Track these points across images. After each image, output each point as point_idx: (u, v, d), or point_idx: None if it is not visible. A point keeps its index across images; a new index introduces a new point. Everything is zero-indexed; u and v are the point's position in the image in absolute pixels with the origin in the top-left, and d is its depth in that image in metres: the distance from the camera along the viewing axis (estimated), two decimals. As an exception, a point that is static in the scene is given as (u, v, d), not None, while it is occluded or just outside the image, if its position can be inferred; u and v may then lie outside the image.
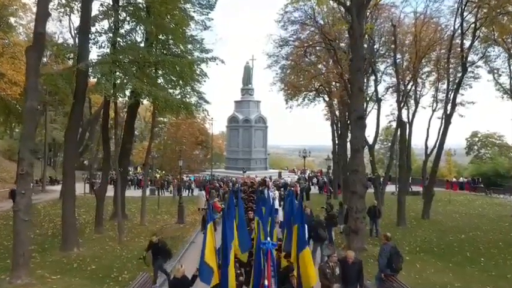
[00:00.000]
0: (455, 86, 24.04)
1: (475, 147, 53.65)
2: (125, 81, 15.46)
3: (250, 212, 13.58)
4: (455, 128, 23.60)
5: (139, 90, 14.97)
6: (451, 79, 25.01)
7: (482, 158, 51.93)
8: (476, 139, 53.48)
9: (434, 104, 33.99)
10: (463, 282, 11.74)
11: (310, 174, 53.67)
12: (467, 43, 23.31)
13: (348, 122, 35.90)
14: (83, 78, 15.00)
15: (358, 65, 15.73)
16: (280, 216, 17.29)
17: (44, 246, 15.87)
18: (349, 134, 36.16)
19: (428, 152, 34.20)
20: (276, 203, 19.94)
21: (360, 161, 15.76)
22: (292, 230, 8.77)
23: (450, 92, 24.43)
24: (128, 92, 16.77)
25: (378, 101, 25.56)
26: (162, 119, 36.21)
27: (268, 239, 8.16)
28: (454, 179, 42.13)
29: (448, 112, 23.63)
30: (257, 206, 11.01)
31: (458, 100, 23.84)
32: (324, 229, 13.35)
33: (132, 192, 40.23)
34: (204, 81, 20.96)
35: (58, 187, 34.66)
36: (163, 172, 38.76)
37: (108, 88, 14.18)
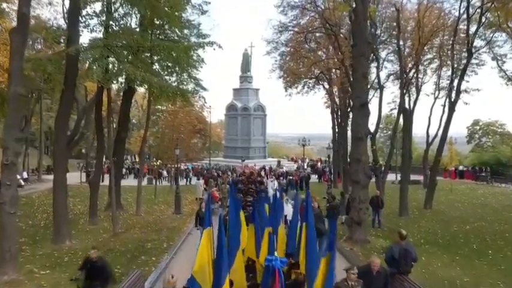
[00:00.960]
0: (459, 73, 23.36)
1: (476, 136, 52.98)
2: (118, 66, 14.70)
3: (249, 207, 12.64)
4: (456, 116, 22.97)
5: (132, 76, 14.22)
6: (455, 65, 24.21)
7: (483, 146, 51.36)
8: (478, 127, 52.78)
9: (437, 92, 33.30)
10: (473, 277, 11.19)
11: (310, 163, 53.12)
12: (471, 29, 22.57)
13: (348, 110, 35.35)
14: (73, 63, 14.25)
15: (362, 50, 15.01)
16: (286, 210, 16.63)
17: (35, 238, 15.30)
18: (350, 122, 35.96)
19: (430, 140, 33.55)
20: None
21: (363, 149, 15.16)
22: (295, 228, 8.01)
23: (455, 79, 23.68)
24: (121, 78, 16.01)
25: (380, 88, 24.82)
26: (159, 107, 35.39)
27: (276, 253, 6.51)
28: (453, 168, 41.66)
29: (453, 99, 22.97)
30: (260, 207, 9.34)
31: (462, 87, 23.11)
32: (323, 222, 12.42)
33: (130, 182, 39.67)
34: (201, 67, 20.22)
35: (54, 176, 33.98)
36: (160, 161, 38.11)
37: (99, 73, 13.45)
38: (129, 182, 39.16)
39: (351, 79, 24.44)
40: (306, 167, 46.04)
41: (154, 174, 40.31)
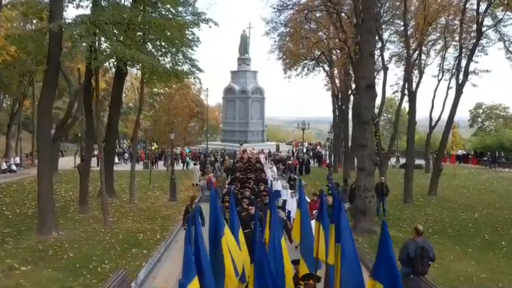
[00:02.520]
0: (468, 53, 22.25)
1: (479, 120, 52.01)
2: (105, 44, 13.58)
3: (249, 206, 10.66)
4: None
5: (121, 55, 13.12)
6: (463, 45, 23.03)
7: (486, 130, 50.44)
8: (481, 111, 51.78)
9: (440, 74, 32.15)
10: (490, 273, 10.35)
11: (309, 147, 52.18)
12: (481, 6, 21.39)
13: (350, 92, 34.32)
14: (56, 41, 13.07)
15: (370, 27, 13.90)
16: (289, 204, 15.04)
17: (20, 229, 14.36)
18: (351, 106, 34.94)
19: (433, 124, 32.52)
20: (280, 186, 17.62)
21: (369, 134, 14.19)
22: (310, 233, 6.93)
23: (462, 59, 22.57)
24: (110, 58, 14.89)
25: (385, 69, 23.74)
26: (156, 90, 34.18)
27: None
28: (452, 152, 40.79)
29: (460, 81, 21.92)
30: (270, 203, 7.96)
31: (471, 68, 21.96)
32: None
33: (127, 167, 38.71)
34: (196, 46, 19.15)
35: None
36: (156, 146, 37.12)
37: (85, 52, 12.33)
38: (126, 167, 38.28)
39: (354, 60, 23.38)
40: (305, 151, 45.05)
41: (150, 159, 39.41)
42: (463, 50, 22.88)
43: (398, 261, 8.02)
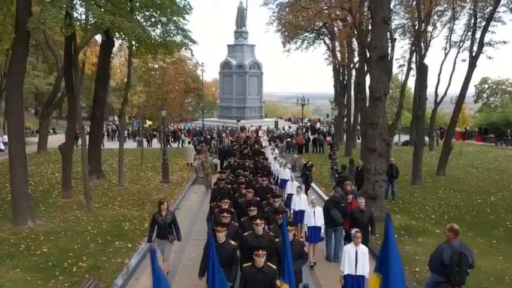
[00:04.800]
0: (483, 23, 20.56)
1: (484, 95, 50.31)
2: (81, 8, 11.89)
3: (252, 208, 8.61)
4: (462, 74, 20.42)
5: (99, 21, 11.45)
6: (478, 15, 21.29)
7: (491, 106, 48.87)
8: (486, 86, 50.01)
9: (448, 47, 30.43)
10: (523, 271, 9.06)
11: (308, 124, 50.63)
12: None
13: (352, 66, 32.63)
14: (24, 5, 11.33)
15: (383, -12, 12.18)
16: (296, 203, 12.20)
17: (-6, 217, 12.97)
18: (353, 81, 33.33)
19: (439, 99, 30.98)
20: (288, 175, 14.54)
21: (380, 111, 12.69)
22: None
23: (476, 30, 20.87)
24: (88, 25, 13.14)
25: (392, 40, 22.01)
26: (151, 65, 32.33)
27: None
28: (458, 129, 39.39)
29: (474, 54, 20.29)
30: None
31: (486, 39, 20.30)
32: (341, 208, 9.70)
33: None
34: (188, 13, 17.43)
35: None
36: (150, 123, 35.46)
37: (58, 18, 10.63)
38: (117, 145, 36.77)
39: (359, 30, 21.70)
40: (304, 127, 43.50)
41: (145, 136, 37.89)
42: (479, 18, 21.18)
43: (429, 268, 6.69)
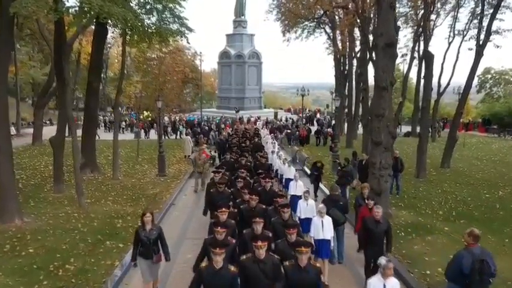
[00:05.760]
0: (491, 11, 19.80)
1: (487, 85, 49.49)
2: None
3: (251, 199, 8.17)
4: (466, 63, 19.68)
5: (87, 6, 10.73)
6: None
7: (493, 96, 48.11)
8: (489, 76, 49.17)
9: (451, 36, 29.65)
10: (541, 274, 8.47)
11: (308, 114, 49.95)
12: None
13: (353, 55, 31.82)
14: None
15: (390, -29, 11.45)
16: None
17: (-20, 214, 12.33)
18: (354, 70, 32.57)
19: (442, 89, 30.26)
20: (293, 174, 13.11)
21: (386, 102, 12.01)
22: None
23: (484, 18, 20.11)
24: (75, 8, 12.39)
25: (396, 28, 21.14)
26: (149, 54, 31.64)
27: None
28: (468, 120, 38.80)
29: (481, 42, 19.56)
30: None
31: (493, 27, 19.56)
32: (340, 207, 9.03)
33: (121, 136, 36.39)
34: (184, 0, 16.64)
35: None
36: (147, 113, 34.87)
37: (40, 1, 9.89)
38: (120, 136, 36.00)
39: (360, 19, 20.89)
40: (304, 118, 42.83)
41: (142, 127, 37.27)
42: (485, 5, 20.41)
43: (445, 276, 6.07)
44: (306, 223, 8.97)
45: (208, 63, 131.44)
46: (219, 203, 7.90)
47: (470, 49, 20.99)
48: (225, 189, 9.60)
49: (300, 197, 10.29)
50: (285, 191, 13.15)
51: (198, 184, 16.52)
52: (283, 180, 14.26)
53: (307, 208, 9.43)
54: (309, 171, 17.02)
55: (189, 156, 23.02)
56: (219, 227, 5.94)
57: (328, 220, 8.27)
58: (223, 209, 6.97)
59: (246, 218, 7.72)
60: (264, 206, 8.15)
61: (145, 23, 15.66)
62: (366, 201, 8.83)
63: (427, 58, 19.14)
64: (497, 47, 20.65)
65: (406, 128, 38.12)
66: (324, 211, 8.27)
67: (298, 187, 11.32)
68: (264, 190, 9.64)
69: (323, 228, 8.11)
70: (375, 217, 7.64)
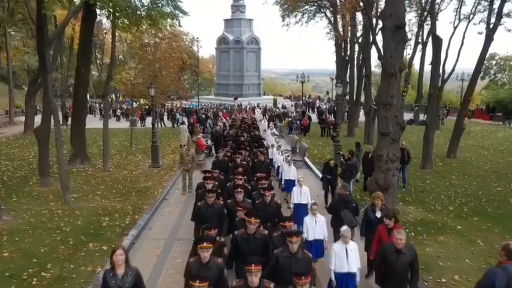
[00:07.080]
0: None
1: (491, 72, 48.33)
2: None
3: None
4: (469, 49, 18.65)
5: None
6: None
7: (498, 83, 47.01)
8: (494, 62, 47.98)
9: (457, 21, 28.50)
10: None
11: (308, 100, 48.96)
12: None
13: (355, 40, 30.69)
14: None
15: None
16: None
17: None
18: (355, 56, 31.51)
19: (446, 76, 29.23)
20: (293, 174, 12.10)
21: (395, 90, 11.05)
22: None
23: (495, 0, 19.06)
24: None
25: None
26: (146, 41, 30.48)
27: None
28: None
29: (491, 26, 18.53)
30: None
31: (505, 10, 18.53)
32: (352, 209, 8.07)
33: (118, 124, 35.55)
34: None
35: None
36: (143, 101, 33.72)
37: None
38: (117, 124, 35.14)
39: (363, 1, 19.78)
40: (304, 106, 41.82)
41: (139, 116, 36.34)
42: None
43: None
44: (315, 245, 7.48)
45: (206, 49, 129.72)
46: (202, 227, 6.25)
47: (480, 33, 19.85)
48: (215, 201, 7.72)
49: (305, 206, 9.01)
50: (285, 194, 12.31)
51: (185, 185, 14.21)
52: (283, 181, 12.60)
53: (316, 227, 7.50)
54: (318, 171, 16.03)
55: (185, 145, 22.09)
56: (197, 281, 4.28)
57: (321, 220, 7.52)
58: (205, 244, 5.10)
59: (241, 249, 6.15)
60: (266, 232, 6.35)
61: (134, 5, 14.57)
62: (384, 220, 6.86)
63: (436, 43, 18.09)
64: (509, 30, 19.54)
65: (407, 116, 37.14)
66: (317, 208, 7.64)
67: (302, 194, 9.41)
68: (263, 204, 7.73)
69: (315, 228, 7.44)
70: (396, 245, 5.81)
